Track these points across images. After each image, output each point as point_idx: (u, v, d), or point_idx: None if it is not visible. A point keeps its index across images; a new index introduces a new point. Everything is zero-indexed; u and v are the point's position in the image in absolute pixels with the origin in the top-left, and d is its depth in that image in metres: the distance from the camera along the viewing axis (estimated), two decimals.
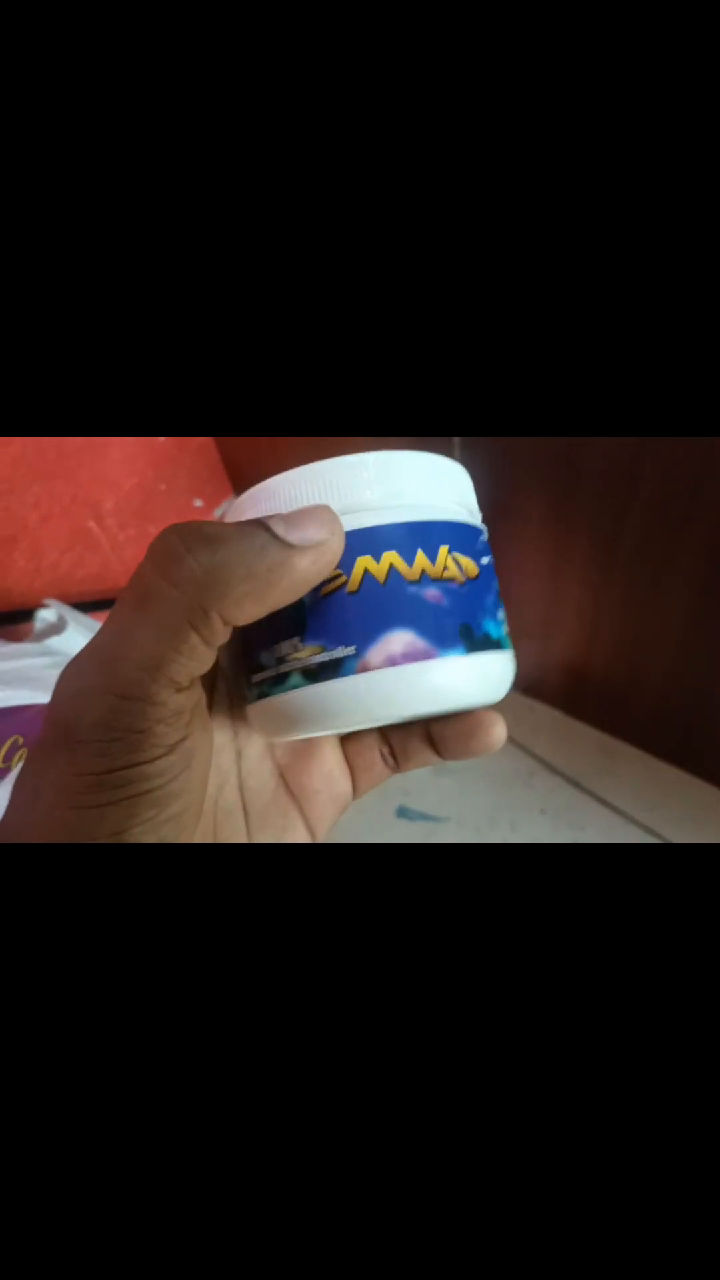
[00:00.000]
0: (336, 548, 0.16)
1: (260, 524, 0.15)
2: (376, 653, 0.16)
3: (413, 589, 0.17)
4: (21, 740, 0.39)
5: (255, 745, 0.22)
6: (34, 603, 0.64)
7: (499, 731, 0.20)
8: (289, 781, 0.22)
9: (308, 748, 0.22)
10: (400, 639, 0.17)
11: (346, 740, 0.22)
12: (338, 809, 0.23)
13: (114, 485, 0.82)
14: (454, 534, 0.18)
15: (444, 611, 0.17)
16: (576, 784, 0.67)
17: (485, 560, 0.19)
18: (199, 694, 0.17)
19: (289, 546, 0.15)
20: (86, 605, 0.70)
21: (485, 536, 0.19)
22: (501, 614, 0.19)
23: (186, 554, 0.15)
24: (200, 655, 0.15)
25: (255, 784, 0.21)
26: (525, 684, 0.81)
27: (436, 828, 0.63)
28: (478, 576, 0.18)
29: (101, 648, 0.15)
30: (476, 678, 0.18)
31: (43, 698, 0.44)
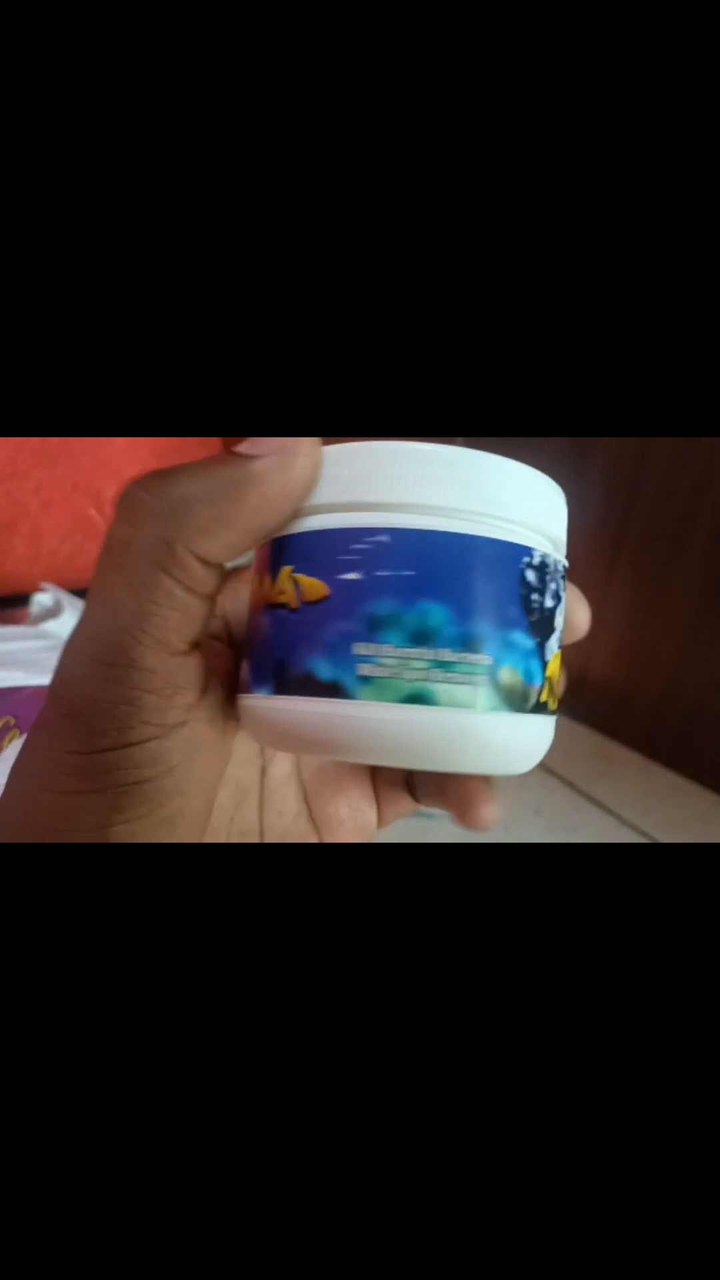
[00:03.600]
0: (307, 458, 0.14)
1: (222, 448, 0.14)
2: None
3: (258, 615, 0.16)
4: (14, 721, 0.38)
5: (282, 764, 0.20)
6: (31, 588, 0.64)
7: (486, 814, 0.17)
8: (313, 808, 0.20)
9: (339, 773, 0.20)
10: (243, 668, 0.16)
11: (377, 769, 0.21)
12: (360, 840, 0.21)
13: (116, 473, 0.82)
14: (315, 546, 0.15)
15: (270, 645, 0.15)
16: (572, 786, 0.67)
17: (350, 576, 0.14)
18: (200, 671, 0.16)
19: (247, 457, 0.14)
20: (84, 593, 0.70)
21: (384, 539, 0.14)
22: (373, 650, 0.14)
23: (141, 492, 0.14)
24: (181, 604, 0.14)
25: (277, 805, 0.20)
26: None
27: (430, 825, 0.63)
28: (326, 598, 0.14)
29: (89, 616, 0.14)
30: (282, 725, 0.15)
31: (37, 680, 0.43)
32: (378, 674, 0.14)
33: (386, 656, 0.14)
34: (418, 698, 0.14)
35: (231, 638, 0.19)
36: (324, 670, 0.14)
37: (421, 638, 0.14)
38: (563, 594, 0.16)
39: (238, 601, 0.18)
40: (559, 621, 0.16)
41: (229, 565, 0.16)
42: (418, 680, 0.14)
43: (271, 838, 0.20)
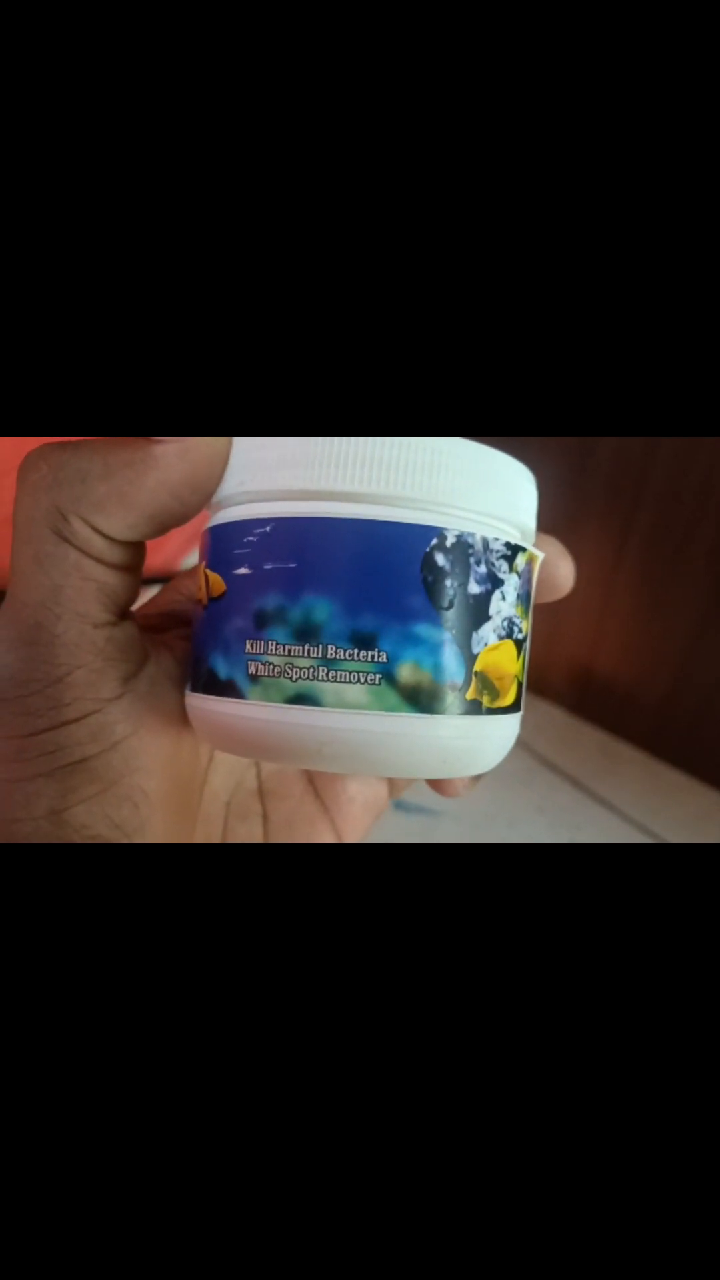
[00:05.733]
0: (208, 448, 0.14)
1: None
2: None
3: (193, 610, 0.16)
4: None
5: None
6: None
7: (456, 785, 0.16)
8: (319, 786, 0.20)
9: None
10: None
11: None
12: (372, 816, 0.20)
13: None
14: (219, 540, 0.14)
15: (193, 642, 0.15)
16: (576, 783, 0.66)
17: (242, 570, 0.14)
18: (134, 641, 0.15)
19: (150, 442, 0.13)
20: None
21: (268, 530, 0.13)
22: (261, 648, 0.13)
23: (40, 461, 0.13)
24: (93, 574, 0.14)
25: (277, 787, 0.19)
26: (529, 682, 0.80)
27: (433, 822, 0.62)
28: (223, 594, 0.14)
29: (9, 597, 0.14)
30: (198, 723, 0.15)
31: None
32: (264, 673, 0.13)
33: (273, 654, 0.13)
34: (303, 698, 0.13)
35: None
36: (222, 668, 0.14)
37: (306, 634, 0.13)
38: (508, 575, 0.14)
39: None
40: (501, 608, 0.14)
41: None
42: (303, 679, 0.13)
43: (276, 822, 0.19)
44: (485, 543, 0.14)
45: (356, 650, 0.13)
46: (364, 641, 0.13)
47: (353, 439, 0.13)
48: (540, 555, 0.16)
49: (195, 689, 0.15)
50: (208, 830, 0.18)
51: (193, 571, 0.19)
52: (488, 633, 0.14)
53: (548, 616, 0.73)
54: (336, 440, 0.13)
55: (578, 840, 0.60)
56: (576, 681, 0.74)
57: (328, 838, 0.19)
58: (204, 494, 0.14)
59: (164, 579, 0.19)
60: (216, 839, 0.18)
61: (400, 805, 0.64)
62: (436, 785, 0.17)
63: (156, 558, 0.56)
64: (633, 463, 0.61)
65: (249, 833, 0.19)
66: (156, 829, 0.15)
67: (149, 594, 0.19)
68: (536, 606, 0.17)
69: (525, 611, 0.15)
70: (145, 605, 0.19)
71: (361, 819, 0.20)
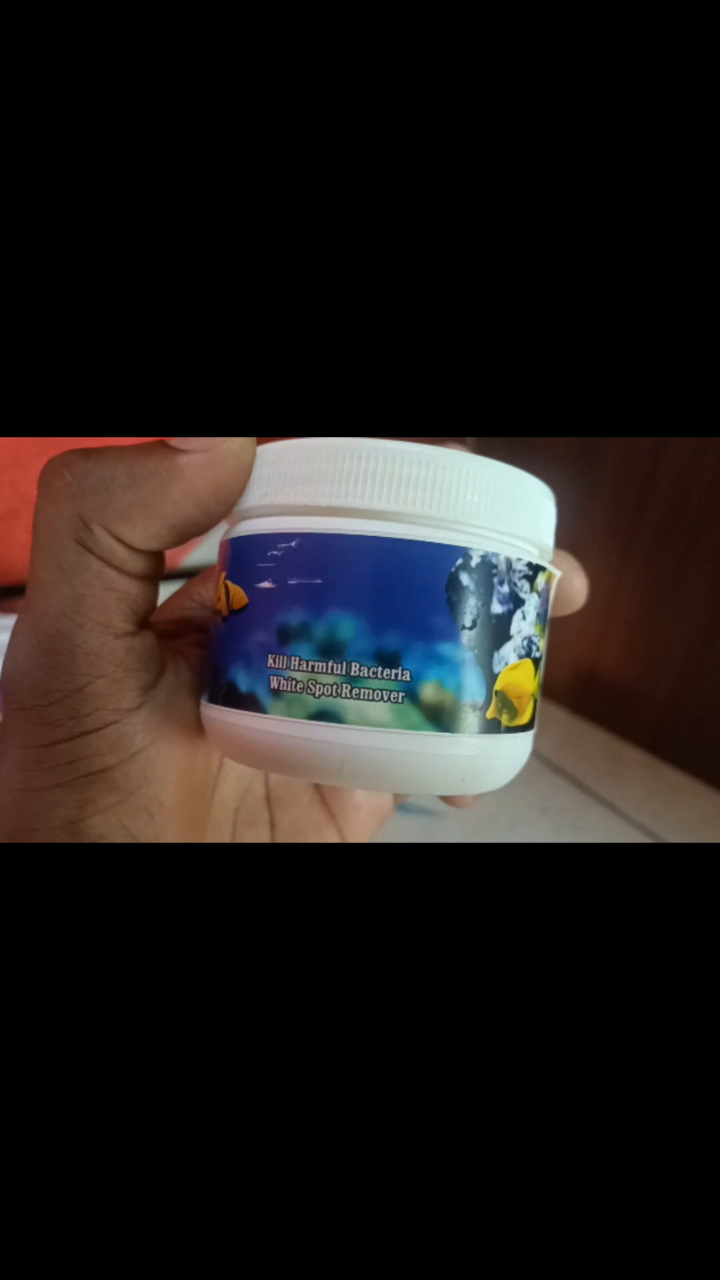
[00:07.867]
0: (234, 458, 0.14)
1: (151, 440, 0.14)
2: None
3: (210, 619, 0.16)
4: None
5: None
6: None
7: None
8: (325, 794, 0.20)
9: None
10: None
11: None
12: (377, 822, 0.20)
13: None
14: (241, 552, 0.14)
15: (211, 652, 0.15)
16: (580, 785, 0.66)
17: (265, 584, 0.14)
18: (153, 651, 0.15)
19: (175, 450, 0.13)
20: None
21: (294, 545, 0.13)
22: (284, 663, 0.13)
23: (63, 468, 0.13)
24: (114, 584, 0.14)
25: (284, 795, 0.19)
26: None
27: (435, 823, 0.62)
28: (245, 607, 0.14)
29: (29, 604, 0.14)
30: (216, 735, 0.15)
31: None
32: (286, 688, 0.13)
33: (296, 670, 0.13)
34: (325, 714, 0.13)
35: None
36: (242, 681, 0.14)
37: (330, 650, 0.13)
38: (529, 595, 0.14)
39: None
40: (521, 627, 0.14)
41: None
42: (326, 696, 0.13)
43: (283, 829, 0.19)
44: (509, 563, 0.14)
45: (380, 668, 0.13)
46: (388, 660, 0.13)
47: (379, 455, 0.13)
48: (558, 574, 0.16)
49: (213, 700, 0.15)
50: (217, 836, 0.18)
51: (204, 576, 0.18)
52: (508, 652, 0.14)
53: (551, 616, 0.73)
54: (364, 456, 0.13)
55: (581, 841, 0.60)
56: (580, 682, 0.74)
57: (334, 841, 0.20)
58: (228, 504, 0.14)
59: (166, 576, 0.19)
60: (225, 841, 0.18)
61: (402, 806, 0.64)
62: (446, 798, 0.17)
63: None
64: (640, 463, 0.61)
65: (256, 839, 0.19)
66: (170, 837, 0.15)
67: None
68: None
69: (543, 629, 0.15)
70: (157, 611, 0.19)
71: (367, 826, 0.20)
